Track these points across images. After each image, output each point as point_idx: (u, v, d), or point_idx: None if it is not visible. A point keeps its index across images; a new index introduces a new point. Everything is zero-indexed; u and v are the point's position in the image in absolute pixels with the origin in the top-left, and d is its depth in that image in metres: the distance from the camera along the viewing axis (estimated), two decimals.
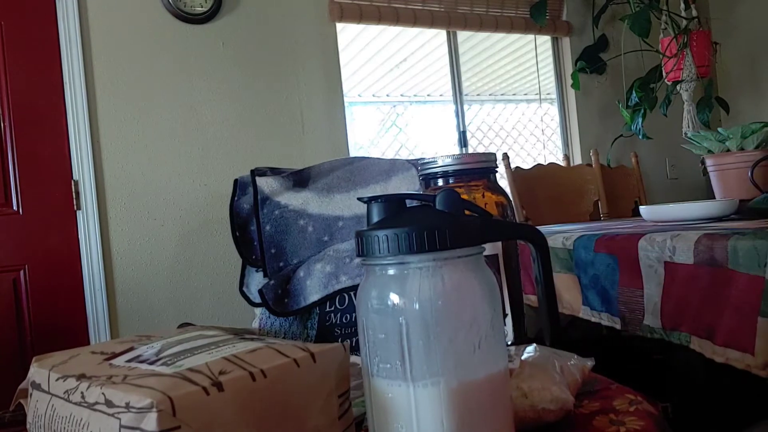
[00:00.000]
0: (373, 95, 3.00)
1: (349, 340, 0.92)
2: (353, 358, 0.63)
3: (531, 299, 1.08)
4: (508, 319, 0.72)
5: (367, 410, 0.45)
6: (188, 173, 2.28)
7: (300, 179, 1.02)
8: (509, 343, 0.72)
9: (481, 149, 3.07)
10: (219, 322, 2.21)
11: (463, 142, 2.98)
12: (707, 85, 3.00)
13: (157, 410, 0.35)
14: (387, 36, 2.87)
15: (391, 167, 1.02)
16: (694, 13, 2.83)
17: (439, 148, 3.04)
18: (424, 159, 0.77)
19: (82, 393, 0.40)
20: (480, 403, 0.42)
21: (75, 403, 0.41)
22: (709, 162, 1.60)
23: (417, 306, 0.42)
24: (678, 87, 2.84)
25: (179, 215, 2.26)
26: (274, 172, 1.03)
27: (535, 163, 2.42)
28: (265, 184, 0.99)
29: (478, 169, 0.75)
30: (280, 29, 2.48)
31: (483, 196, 0.74)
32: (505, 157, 2.30)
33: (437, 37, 2.98)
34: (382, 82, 3.00)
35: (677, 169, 3.37)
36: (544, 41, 3.21)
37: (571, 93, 3.15)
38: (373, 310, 0.44)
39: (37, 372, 0.47)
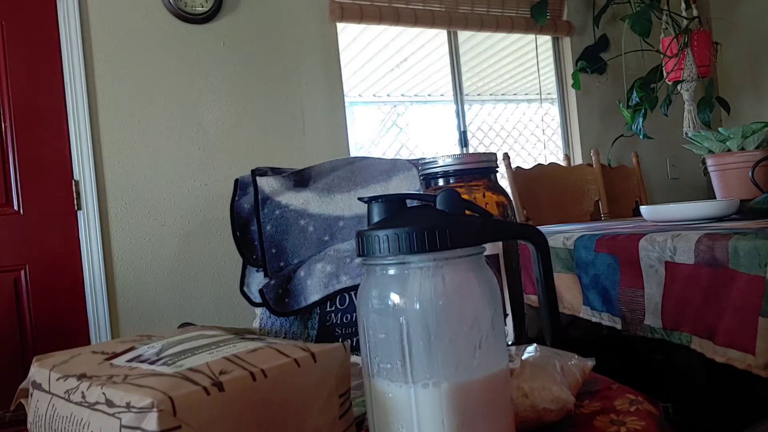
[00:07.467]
0: (374, 95, 3.00)
1: (349, 340, 0.92)
2: (354, 358, 0.63)
3: (531, 299, 1.07)
4: (509, 319, 0.72)
5: (368, 410, 0.45)
6: (189, 173, 2.28)
7: (301, 179, 1.02)
8: (510, 343, 0.72)
9: (481, 149, 3.07)
10: (220, 322, 2.21)
11: (463, 142, 2.98)
12: (708, 85, 3.00)
13: (158, 410, 0.35)
14: (388, 36, 2.87)
15: (392, 167, 1.02)
16: (695, 12, 2.82)
17: (439, 148, 3.04)
18: (424, 159, 0.77)
19: (82, 393, 0.40)
20: (480, 403, 0.42)
21: (75, 403, 0.41)
22: (709, 162, 1.60)
23: (417, 306, 0.42)
24: (679, 87, 2.84)
25: (180, 215, 2.26)
26: (275, 172, 1.03)
27: (536, 163, 2.42)
28: (265, 184, 0.99)
29: (479, 169, 0.75)
30: (280, 29, 2.48)
31: (483, 196, 0.74)
32: (506, 157, 2.30)
33: (438, 36, 2.98)
34: (383, 82, 3.00)
35: (678, 169, 3.36)
36: (545, 41, 3.21)
37: (571, 93, 3.15)
38: (373, 310, 0.44)
39: (37, 372, 0.47)
